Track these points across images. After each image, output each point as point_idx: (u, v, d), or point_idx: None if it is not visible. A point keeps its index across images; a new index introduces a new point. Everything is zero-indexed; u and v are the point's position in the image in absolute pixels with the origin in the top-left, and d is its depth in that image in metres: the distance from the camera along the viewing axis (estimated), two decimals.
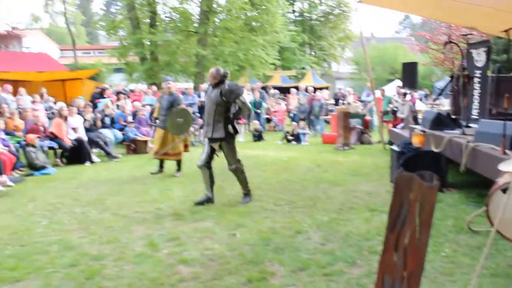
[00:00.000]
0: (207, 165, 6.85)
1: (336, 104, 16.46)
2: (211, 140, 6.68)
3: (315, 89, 18.34)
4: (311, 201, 6.69)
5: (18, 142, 9.66)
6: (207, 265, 4.35)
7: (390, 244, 2.57)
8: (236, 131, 6.77)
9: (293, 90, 17.54)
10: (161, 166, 9.09)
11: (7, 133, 9.43)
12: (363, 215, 5.94)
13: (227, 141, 6.67)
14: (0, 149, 8.44)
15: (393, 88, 19.20)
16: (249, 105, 6.83)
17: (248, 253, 4.63)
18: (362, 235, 5.15)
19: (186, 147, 9.07)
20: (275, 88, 26.03)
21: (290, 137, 13.89)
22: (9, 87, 13.32)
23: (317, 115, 15.51)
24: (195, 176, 8.61)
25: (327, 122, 17.42)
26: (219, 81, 6.55)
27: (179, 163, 8.93)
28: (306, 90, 18.19)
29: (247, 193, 6.87)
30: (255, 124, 14.79)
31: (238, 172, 6.83)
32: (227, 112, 6.56)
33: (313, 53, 34.14)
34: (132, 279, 4.03)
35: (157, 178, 8.68)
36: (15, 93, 13.37)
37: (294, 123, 14.42)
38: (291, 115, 16.92)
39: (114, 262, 4.44)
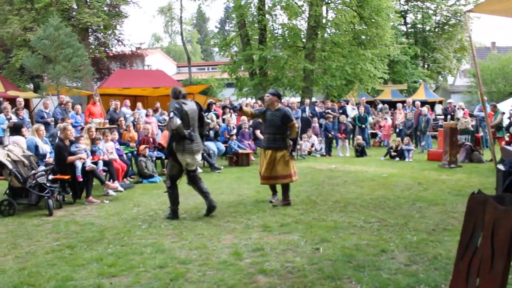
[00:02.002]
0: None
1: (446, 119, 15.65)
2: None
3: (424, 103, 17.63)
4: (403, 220, 6.49)
5: (131, 152, 10.56)
6: (285, 277, 4.45)
7: (460, 273, 2.36)
8: None
9: (399, 105, 17.05)
10: (274, 190, 7.86)
11: (121, 144, 10.36)
12: (456, 237, 5.62)
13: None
14: (114, 158, 9.28)
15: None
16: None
17: (328, 268, 4.64)
18: (452, 258, 4.88)
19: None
20: (384, 102, 25.53)
21: (393, 153, 13.50)
22: (128, 102, 14.64)
23: (423, 131, 14.90)
24: (291, 190, 8.74)
25: (434, 138, 16.66)
26: None
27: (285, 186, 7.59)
28: (413, 104, 17.55)
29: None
30: (358, 139, 14.61)
31: None
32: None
33: (426, 65, 32.72)
34: (211, 284, 4.27)
35: (254, 190, 8.94)
36: (133, 107, 14.63)
37: (398, 138, 14.00)
38: (397, 130, 16.42)
39: (199, 267, 4.71)
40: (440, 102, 27.45)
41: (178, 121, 6.43)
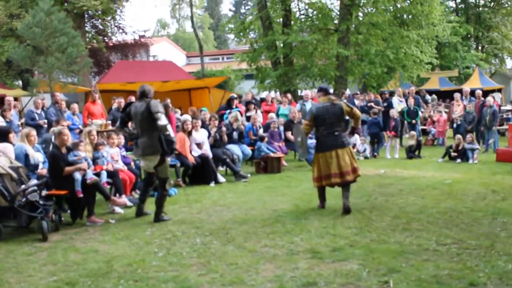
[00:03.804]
0: None
1: None
2: None
3: (484, 92, 16.89)
4: (487, 241, 5.91)
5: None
6: None
7: None
8: None
9: (457, 95, 16.33)
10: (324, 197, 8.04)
11: (128, 149, 9.89)
12: None
13: None
14: (120, 167, 8.82)
15: None
16: None
17: None
18: None
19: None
20: (431, 92, 24.79)
21: (453, 154, 12.85)
22: (134, 99, 14.19)
23: (488, 126, 14.17)
24: (337, 203, 8.24)
25: (501, 134, 15.89)
26: None
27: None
28: (472, 94, 16.82)
29: None
30: (413, 135, 13.92)
31: None
32: None
33: (480, 47, 31.84)
34: None
35: (291, 203, 8.41)
36: None
37: (459, 135, 13.33)
38: (455, 125, 15.73)
39: None
40: (499, 90, 26.57)
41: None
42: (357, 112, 8.00)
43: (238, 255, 5.68)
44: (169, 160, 7.60)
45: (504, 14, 30.92)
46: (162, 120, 7.18)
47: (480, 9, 31.18)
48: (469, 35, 30.14)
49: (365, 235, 6.32)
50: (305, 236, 6.37)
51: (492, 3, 31.13)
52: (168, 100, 14.87)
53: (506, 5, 31.13)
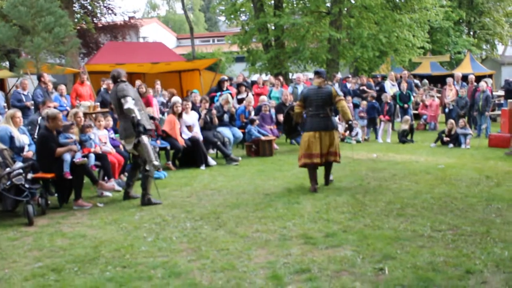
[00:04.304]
0: None
1: (509, 96, 14.76)
2: None
3: (476, 78, 16.76)
4: (483, 227, 5.80)
5: None
6: None
7: None
8: None
9: (449, 80, 16.19)
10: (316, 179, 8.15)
11: (116, 132, 9.66)
12: None
13: None
14: (109, 150, 8.61)
15: None
16: None
17: None
18: None
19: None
20: (422, 77, 24.65)
21: (446, 138, 12.74)
22: None
23: (481, 111, 14.05)
24: (329, 187, 8.14)
25: (493, 119, 15.79)
26: None
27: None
28: (464, 79, 16.69)
29: None
30: (407, 120, 13.76)
31: None
32: None
33: (471, 33, 31.68)
34: None
35: (283, 187, 8.26)
36: None
37: (451, 120, 13.20)
38: (447, 110, 15.61)
39: None
40: (490, 76, 26.46)
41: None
42: (343, 103, 8.20)
43: (229, 241, 5.53)
44: (146, 141, 7.36)
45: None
46: (127, 104, 7.17)
47: None
48: (461, 20, 29.95)
49: (359, 220, 6.19)
50: (298, 221, 6.23)
51: None
52: (138, 83, 14.59)
53: None
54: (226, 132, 11.42)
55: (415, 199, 7.24)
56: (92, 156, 8.01)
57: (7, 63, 24.80)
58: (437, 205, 6.90)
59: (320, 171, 8.27)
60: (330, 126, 8.01)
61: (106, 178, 8.23)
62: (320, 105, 7.96)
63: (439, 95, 17.48)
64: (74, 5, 23.68)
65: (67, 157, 7.33)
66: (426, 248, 5.14)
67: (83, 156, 7.72)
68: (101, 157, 8.20)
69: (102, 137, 8.69)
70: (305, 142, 7.99)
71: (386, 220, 6.19)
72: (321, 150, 7.91)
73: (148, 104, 10.80)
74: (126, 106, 7.19)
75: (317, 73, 8.30)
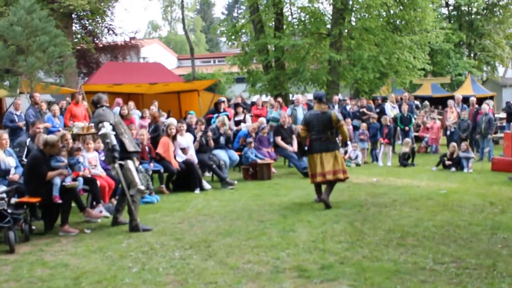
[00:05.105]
0: None
1: (510, 119, 14.45)
2: None
3: (477, 99, 16.48)
4: (489, 260, 5.44)
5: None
6: None
7: None
8: None
9: (450, 102, 15.90)
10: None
11: None
12: None
13: None
14: (99, 173, 8.30)
15: None
16: None
17: None
18: None
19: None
20: (423, 98, 24.41)
21: (448, 162, 12.41)
22: (121, 101, 13.67)
23: (484, 134, 13.72)
24: (326, 213, 7.79)
25: (495, 142, 15.47)
26: None
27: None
28: (464, 101, 16.42)
29: None
30: (408, 142, 13.45)
31: None
32: None
33: (472, 55, 31.54)
34: None
35: (279, 214, 7.91)
36: None
37: (454, 144, 12.87)
38: (448, 133, 15.30)
39: None
40: (491, 98, 26.23)
41: None
42: (344, 128, 8.71)
43: (218, 272, 5.18)
44: (130, 165, 7.08)
45: (496, 22, 30.67)
46: (103, 129, 6.99)
47: (473, 16, 30.88)
48: (461, 42, 29.86)
49: (357, 251, 5.84)
50: (292, 251, 5.88)
51: (485, 11, 30.83)
52: (156, 103, 14.38)
53: (498, 13, 30.86)
54: (222, 155, 11.09)
55: (416, 227, 6.87)
56: (81, 180, 7.69)
57: (7, 82, 24.64)
58: (439, 234, 6.54)
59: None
60: (331, 148, 8.39)
61: (94, 203, 7.90)
62: (321, 130, 8.34)
63: (440, 117, 17.18)
64: (74, 25, 23.55)
65: (57, 180, 7.04)
66: (428, 283, 4.80)
67: (73, 180, 7.43)
68: (90, 181, 7.88)
69: (92, 160, 8.39)
70: (309, 164, 8.59)
71: (385, 250, 5.84)
72: (324, 169, 8.27)
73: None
74: (100, 132, 7.02)
75: (317, 99, 8.72)
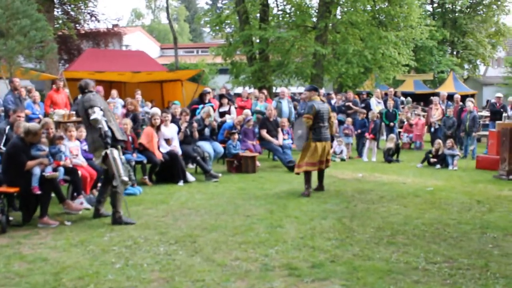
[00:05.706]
0: None
1: (494, 117, 14.44)
2: None
3: (461, 97, 16.47)
4: (481, 260, 5.33)
5: None
6: None
7: None
8: None
9: (435, 99, 15.85)
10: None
11: None
12: None
13: None
14: (80, 163, 8.01)
15: None
16: None
17: None
18: None
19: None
20: (405, 94, 24.42)
21: (433, 159, 12.34)
22: (102, 90, 13.28)
23: (468, 132, 13.67)
24: (313, 209, 7.62)
25: (477, 140, 15.49)
26: None
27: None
28: (448, 98, 16.39)
29: None
30: (392, 138, 13.35)
31: None
32: None
33: (455, 53, 31.72)
34: None
35: (265, 208, 7.71)
36: (107, 96, 13.32)
37: (439, 140, 12.80)
38: (432, 129, 15.25)
39: None
40: (473, 96, 26.37)
41: None
42: (334, 120, 9.55)
43: (206, 270, 4.97)
44: (115, 155, 6.80)
45: (479, 20, 30.88)
46: (94, 114, 6.72)
47: (457, 14, 31.03)
48: (444, 40, 29.97)
49: (347, 249, 5.68)
50: (281, 248, 5.69)
51: (469, 9, 31.00)
52: (139, 92, 14.05)
53: (481, 12, 31.06)
54: (207, 146, 10.86)
55: (406, 225, 6.74)
56: (61, 170, 7.41)
57: None
58: (429, 232, 6.42)
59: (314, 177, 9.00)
60: (329, 137, 9.19)
61: (75, 194, 7.62)
62: (326, 118, 8.89)
63: (424, 113, 17.13)
64: (56, 10, 22.99)
65: (37, 170, 6.75)
66: (421, 283, 4.67)
67: (54, 170, 7.15)
68: (71, 171, 7.59)
69: (73, 149, 8.07)
70: (311, 150, 8.74)
71: (376, 249, 5.68)
72: (322, 157, 8.85)
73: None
74: (92, 117, 6.70)
75: (316, 90, 9.18)
